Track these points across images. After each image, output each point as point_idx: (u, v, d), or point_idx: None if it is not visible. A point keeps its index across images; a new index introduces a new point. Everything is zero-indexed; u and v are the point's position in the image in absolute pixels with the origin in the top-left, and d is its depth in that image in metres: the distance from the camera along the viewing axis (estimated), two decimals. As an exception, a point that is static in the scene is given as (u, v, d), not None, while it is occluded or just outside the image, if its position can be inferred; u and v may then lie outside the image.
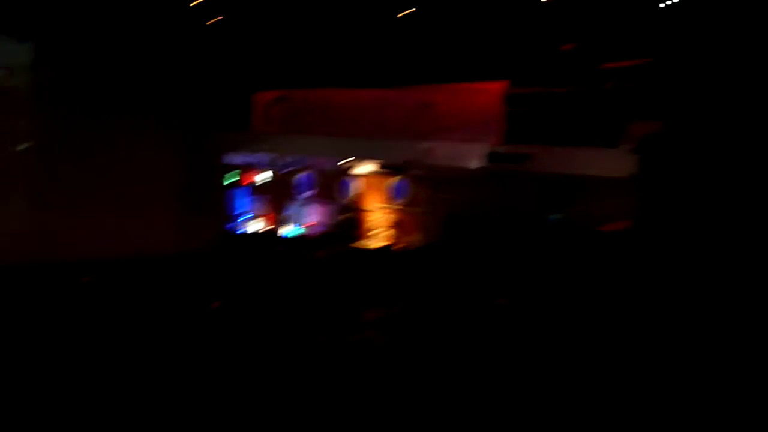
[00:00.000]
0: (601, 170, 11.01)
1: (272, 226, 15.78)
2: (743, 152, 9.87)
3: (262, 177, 16.09)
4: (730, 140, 10.05)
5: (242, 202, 16.30)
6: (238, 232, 15.90)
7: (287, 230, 15.38)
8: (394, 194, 14.04)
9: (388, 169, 13.97)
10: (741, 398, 6.69)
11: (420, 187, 13.60)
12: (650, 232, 10.18)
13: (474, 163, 12.08)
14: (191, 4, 15.16)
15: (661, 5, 12.11)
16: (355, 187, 14.63)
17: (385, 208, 14.20)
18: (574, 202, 11.88)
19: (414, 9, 14.23)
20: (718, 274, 8.97)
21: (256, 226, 15.97)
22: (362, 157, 14.06)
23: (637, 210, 10.70)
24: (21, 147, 13.22)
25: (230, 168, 16.10)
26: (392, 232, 13.93)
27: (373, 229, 14.27)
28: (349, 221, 14.52)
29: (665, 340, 8.54)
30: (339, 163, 14.51)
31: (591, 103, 11.54)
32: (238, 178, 16.23)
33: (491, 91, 12.28)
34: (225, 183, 16.11)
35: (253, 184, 16.21)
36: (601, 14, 13.00)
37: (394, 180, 14.00)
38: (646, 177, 10.43)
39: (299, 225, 15.38)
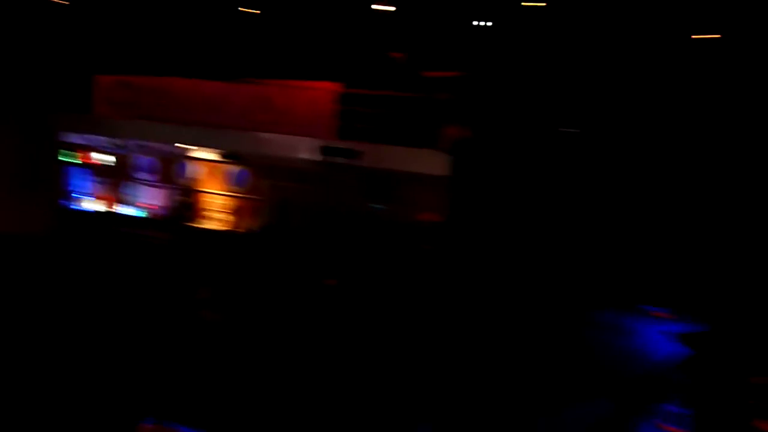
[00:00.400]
0: (421, 167, 11.73)
1: (112, 207, 15.38)
2: (535, 156, 10.99)
3: (103, 158, 15.61)
4: (526, 145, 11.14)
5: (82, 183, 15.72)
6: (78, 212, 15.35)
7: (127, 211, 15.06)
8: (232, 180, 14.14)
9: (227, 156, 14.06)
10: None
11: (257, 175, 13.79)
12: (460, 221, 11.06)
13: (308, 156, 12.43)
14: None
15: (474, 23, 13.14)
16: (194, 172, 14.57)
17: (223, 193, 14.28)
18: (397, 195, 12.60)
19: (258, 10, 14.43)
20: (511, 257, 9.99)
21: (95, 206, 15.50)
22: (202, 144, 14.04)
23: (449, 201, 11.56)
24: None
25: (70, 148, 15.51)
26: (230, 216, 14.06)
27: (211, 213, 14.31)
28: (188, 204, 14.45)
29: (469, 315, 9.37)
30: (179, 149, 14.41)
31: (414, 107, 12.14)
32: (78, 159, 15.66)
33: (326, 91, 12.65)
34: (64, 164, 15.50)
35: (93, 165, 15.68)
36: (426, 30, 13.86)
37: (232, 167, 14.11)
38: (457, 174, 11.29)
39: (139, 206, 15.11)
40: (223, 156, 14.08)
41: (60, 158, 15.34)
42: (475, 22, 13.39)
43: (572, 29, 12.62)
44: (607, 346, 8.68)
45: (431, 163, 11.53)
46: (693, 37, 12.58)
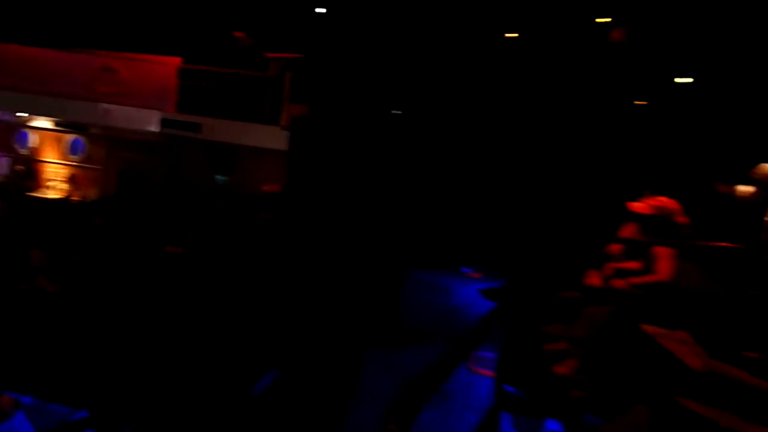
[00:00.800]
0: (261, 142, 11.53)
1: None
2: (365, 137, 11.16)
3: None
4: (357, 126, 11.28)
5: None
6: None
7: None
8: (71, 150, 13.08)
9: (67, 126, 12.98)
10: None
11: (98, 145, 12.89)
12: (296, 194, 11.00)
13: (149, 127, 11.81)
14: None
15: (317, 10, 13.02)
16: (31, 140, 13.29)
17: (62, 162, 13.17)
18: (239, 167, 12.31)
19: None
20: (343, 224, 10.10)
21: None
22: (41, 113, 12.80)
23: (287, 175, 11.46)
24: None
25: None
26: (69, 185, 13.00)
27: (49, 182, 13.16)
28: (24, 173, 13.19)
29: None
30: (15, 117, 13.06)
31: (255, 84, 11.91)
32: None
33: (168, 65, 12.04)
34: None
35: None
36: (268, 12, 13.55)
37: (72, 137, 13.05)
38: (295, 150, 11.20)
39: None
40: (63, 125, 13.01)
41: None
42: (317, 10, 13.24)
43: (400, 19, 12.89)
44: (430, 303, 9.03)
45: (271, 138, 11.36)
46: (506, 36, 13.27)
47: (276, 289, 9.06)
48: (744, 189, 5.88)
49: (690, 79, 12.18)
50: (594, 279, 5.78)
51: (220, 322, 8.07)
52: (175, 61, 12.14)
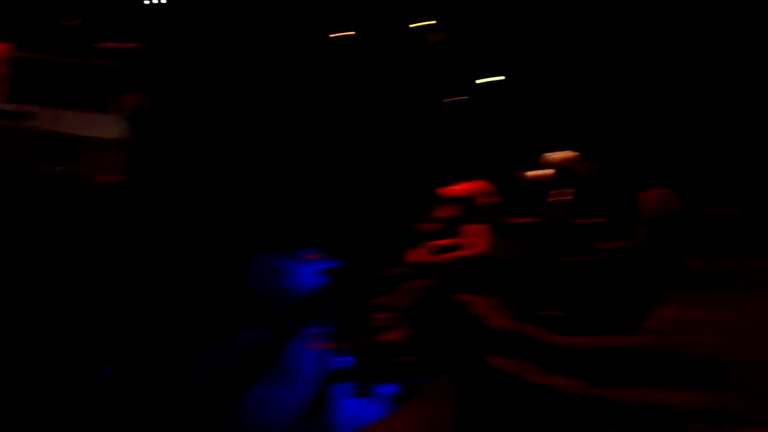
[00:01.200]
0: (96, 132, 10.64)
1: None
2: (206, 126, 10.67)
3: None
4: (199, 116, 10.76)
5: None
6: None
7: None
8: None
9: None
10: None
11: None
12: (138, 183, 10.26)
13: (-29, 118, 10.44)
14: None
15: (146, 2, 12.24)
16: None
17: None
18: (75, 157, 11.23)
19: None
20: (183, 211, 9.54)
21: None
22: None
23: (129, 164, 10.65)
24: None
25: None
26: None
27: None
28: None
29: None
30: None
31: (92, 73, 11.00)
32: None
33: (-6, 52, 10.71)
34: None
35: None
36: (101, 3, 12.56)
37: None
38: (136, 139, 10.44)
39: None
40: None
41: None
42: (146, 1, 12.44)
43: (243, 12, 12.49)
44: (268, 285, 8.79)
45: (108, 127, 10.49)
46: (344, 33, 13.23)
47: (114, 279, 8.37)
48: (532, 174, 6.31)
49: (502, 77, 12.81)
50: (417, 256, 5.90)
51: (52, 316, 7.32)
52: (1, 48, 10.81)
